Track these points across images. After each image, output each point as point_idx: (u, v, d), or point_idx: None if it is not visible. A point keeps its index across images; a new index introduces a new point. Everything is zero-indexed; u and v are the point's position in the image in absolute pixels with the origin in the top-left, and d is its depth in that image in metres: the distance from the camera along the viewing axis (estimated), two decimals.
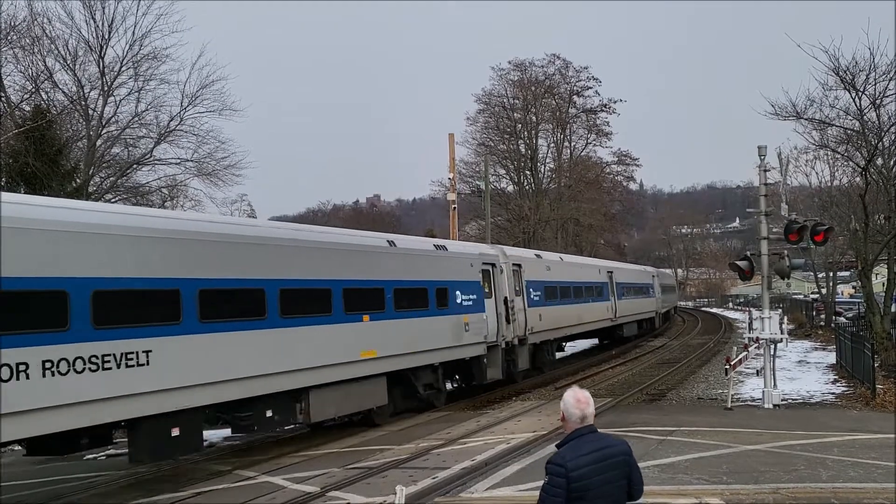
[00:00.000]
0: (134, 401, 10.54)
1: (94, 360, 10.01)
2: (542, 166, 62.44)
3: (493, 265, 21.76)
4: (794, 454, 11.83)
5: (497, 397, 21.78)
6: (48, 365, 9.43)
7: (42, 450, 11.02)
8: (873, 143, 23.57)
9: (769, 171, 18.67)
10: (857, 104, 23.36)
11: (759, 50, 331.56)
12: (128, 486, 12.57)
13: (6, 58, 25.05)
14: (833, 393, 20.64)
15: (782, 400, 18.29)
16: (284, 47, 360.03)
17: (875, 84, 22.63)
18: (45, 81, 26.91)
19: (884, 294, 28.24)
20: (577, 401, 4.58)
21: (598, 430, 4.70)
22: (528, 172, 60.60)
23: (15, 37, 24.55)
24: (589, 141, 65.19)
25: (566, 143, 64.33)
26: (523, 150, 60.70)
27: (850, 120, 24.51)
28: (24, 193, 19.25)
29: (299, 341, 13.71)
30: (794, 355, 30.39)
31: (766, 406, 17.62)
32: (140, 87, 28.80)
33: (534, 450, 12.88)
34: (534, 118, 60.50)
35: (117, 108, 28.70)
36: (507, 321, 22.03)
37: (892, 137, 24.65)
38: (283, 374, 13.29)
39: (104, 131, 28.38)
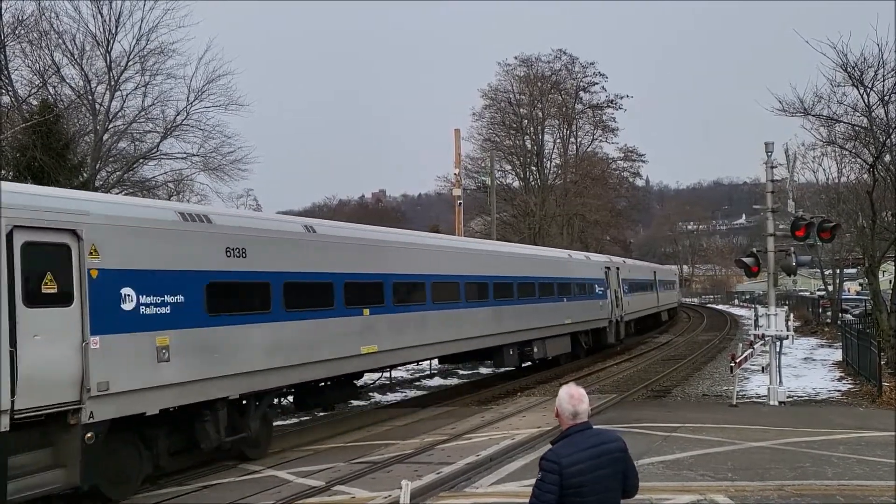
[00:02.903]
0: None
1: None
2: (548, 162, 62.45)
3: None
4: (799, 451, 11.82)
5: (502, 393, 21.81)
6: None
7: None
8: (881, 139, 23.40)
9: (776, 167, 18.58)
10: (866, 100, 23.18)
11: (766, 46, 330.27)
12: None
13: (14, 52, 25.15)
14: (839, 390, 20.60)
15: (788, 397, 18.26)
16: (289, 44, 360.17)
17: (883, 80, 22.43)
18: (53, 76, 26.95)
19: (891, 291, 28.12)
20: (571, 397, 4.61)
21: (595, 426, 4.68)
22: (533, 168, 60.52)
23: (23, 31, 24.57)
24: (595, 137, 65.23)
25: (572, 139, 64.30)
26: (529, 145, 60.61)
27: (858, 116, 24.32)
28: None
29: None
30: (799, 352, 30.32)
31: (771, 403, 17.60)
32: (147, 81, 28.81)
33: (538, 445, 12.88)
34: (540, 114, 60.37)
35: (124, 102, 28.75)
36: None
37: None
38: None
39: (111, 126, 28.41)
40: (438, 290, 18.64)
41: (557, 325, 26.15)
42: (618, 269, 34.68)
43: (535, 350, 24.52)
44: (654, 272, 47.80)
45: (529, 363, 26.03)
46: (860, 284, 61.81)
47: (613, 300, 32.44)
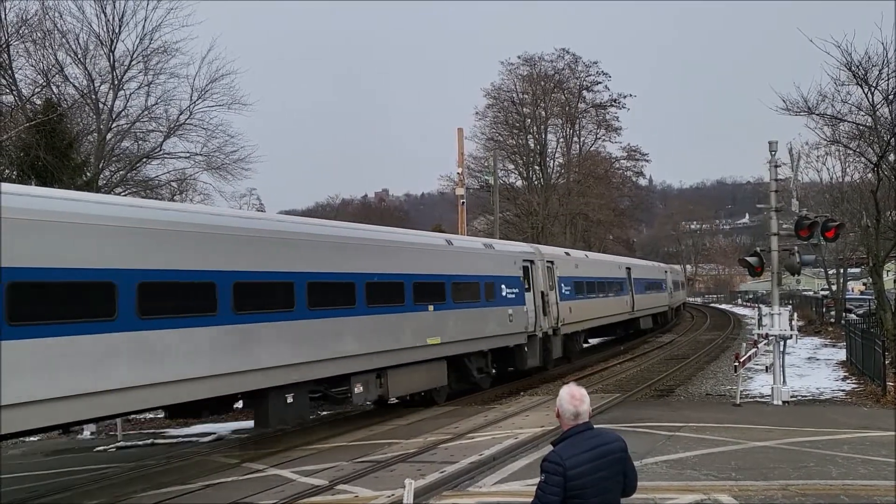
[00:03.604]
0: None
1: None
2: (551, 161, 62.36)
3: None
4: (803, 451, 11.78)
5: (504, 392, 21.79)
6: None
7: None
8: (886, 138, 23.33)
9: (780, 166, 18.52)
10: (870, 99, 23.13)
11: (769, 45, 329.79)
12: (137, 479, 12.65)
13: (18, 52, 25.20)
14: (843, 390, 20.55)
15: (791, 397, 18.22)
16: (292, 43, 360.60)
17: (888, 79, 22.36)
18: (57, 75, 27.04)
19: (895, 291, 28.02)
20: (572, 397, 4.59)
21: (598, 425, 4.66)
22: (536, 167, 60.47)
23: (27, 31, 24.62)
24: (598, 136, 65.18)
25: (575, 138, 64.28)
26: (532, 144, 60.55)
27: (863, 115, 24.27)
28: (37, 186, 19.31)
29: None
30: (803, 352, 30.26)
31: (775, 403, 17.56)
32: (150, 80, 28.92)
33: (541, 444, 12.85)
34: (543, 113, 60.32)
35: (127, 101, 28.86)
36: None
37: None
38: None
39: (114, 125, 28.50)
40: (43, 298, 9.68)
41: (411, 347, 17.36)
42: (550, 263, 25.80)
43: (358, 389, 15.65)
44: (628, 268, 39.01)
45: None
46: (864, 284, 61.63)
47: (539, 306, 23.86)
